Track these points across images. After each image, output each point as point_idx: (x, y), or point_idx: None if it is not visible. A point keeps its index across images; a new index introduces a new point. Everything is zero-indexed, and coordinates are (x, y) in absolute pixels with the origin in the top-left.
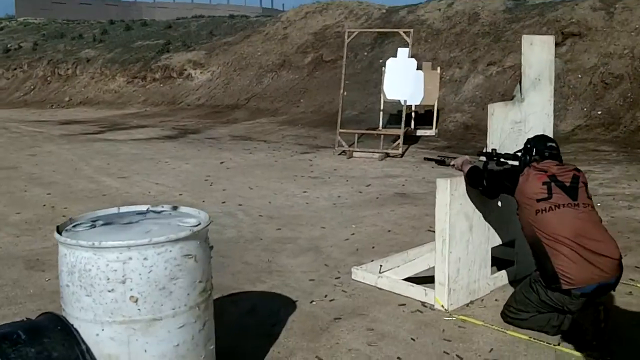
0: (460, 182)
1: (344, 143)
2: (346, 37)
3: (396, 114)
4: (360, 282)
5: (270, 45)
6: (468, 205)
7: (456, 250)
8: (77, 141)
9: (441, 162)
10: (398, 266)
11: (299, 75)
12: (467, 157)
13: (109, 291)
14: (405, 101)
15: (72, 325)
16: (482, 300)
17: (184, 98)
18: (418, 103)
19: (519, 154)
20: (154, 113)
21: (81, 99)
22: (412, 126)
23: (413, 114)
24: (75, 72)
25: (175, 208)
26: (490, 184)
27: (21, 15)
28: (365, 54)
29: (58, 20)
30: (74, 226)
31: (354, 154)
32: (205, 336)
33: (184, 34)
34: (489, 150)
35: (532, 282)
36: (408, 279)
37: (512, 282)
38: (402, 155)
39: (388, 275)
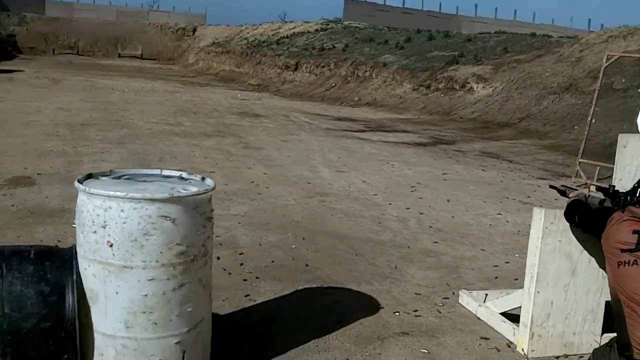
0: (562, 216)
1: (582, 174)
2: (604, 60)
3: None
4: (464, 307)
5: (560, 67)
6: (572, 245)
7: (547, 292)
8: (333, 135)
9: (562, 193)
10: (497, 298)
11: (581, 101)
12: (585, 191)
13: (93, 232)
14: None
15: (76, 257)
16: (581, 357)
17: (459, 110)
18: None
19: None
20: (425, 121)
21: (369, 100)
22: None
23: None
24: (371, 75)
25: (203, 179)
26: (581, 221)
27: (347, 19)
28: None
29: (379, 26)
30: (107, 176)
31: (592, 187)
32: (182, 297)
33: (479, 48)
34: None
35: (608, 345)
36: (507, 314)
37: None
38: None
39: (488, 306)
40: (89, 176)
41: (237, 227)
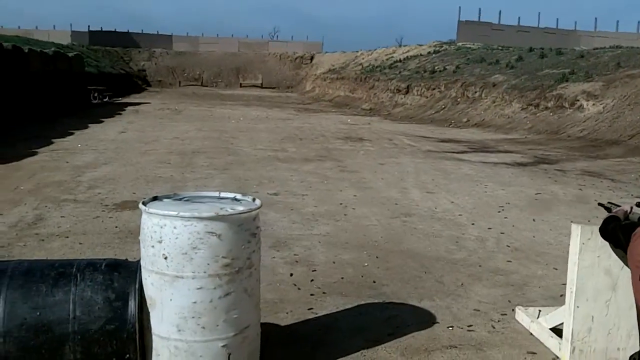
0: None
1: None
2: None
3: None
4: (520, 323)
5: None
6: (611, 261)
7: (587, 307)
8: (433, 157)
9: (608, 210)
10: (547, 314)
11: None
12: (629, 207)
13: (152, 247)
14: None
15: (141, 270)
16: None
17: (567, 129)
18: None
19: None
20: (531, 140)
21: (477, 121)
22: None
23: None
24: (481, 96)
25: (254, 200)
26: (611, 236)
27: (461, 40)
28: None
29: (492, 46)
30: (169, 198)
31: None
32: (228, 305)
33: (591, 64)
34: None
35: (632, 357)
36: (557, 329)
37: None
38: None
39: (539, 322)
40: (155, 198)
41: (316, 246)
